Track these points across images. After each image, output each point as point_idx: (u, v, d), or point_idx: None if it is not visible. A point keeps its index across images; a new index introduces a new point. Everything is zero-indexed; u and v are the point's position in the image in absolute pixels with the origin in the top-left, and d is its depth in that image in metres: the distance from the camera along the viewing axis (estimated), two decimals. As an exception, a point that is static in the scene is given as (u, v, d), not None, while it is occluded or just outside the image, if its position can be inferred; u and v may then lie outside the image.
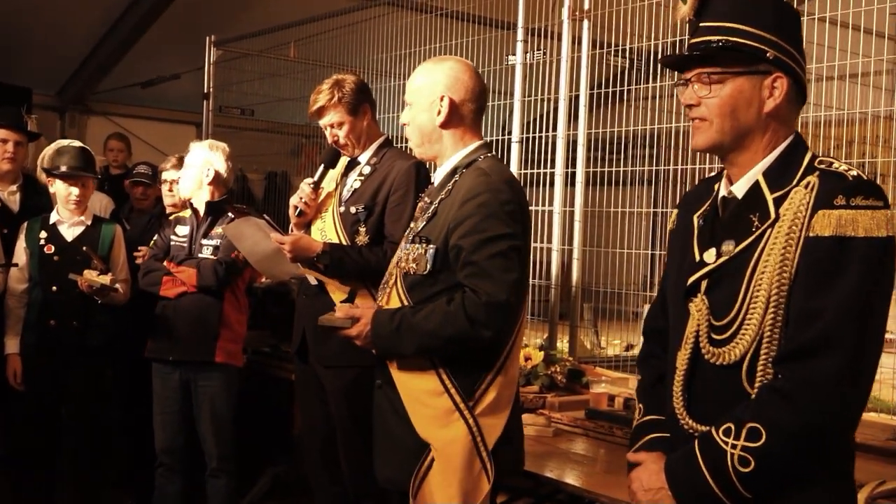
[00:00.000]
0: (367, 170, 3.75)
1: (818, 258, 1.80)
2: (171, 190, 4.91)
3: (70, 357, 4.39)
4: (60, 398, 4.44)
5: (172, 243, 4.43)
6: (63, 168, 4.44)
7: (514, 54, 4.90)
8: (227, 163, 4.42)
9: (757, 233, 1.88)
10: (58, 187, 4.47)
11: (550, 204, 4.74)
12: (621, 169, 4.91)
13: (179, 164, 4.84)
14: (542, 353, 4.21)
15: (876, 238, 1.77)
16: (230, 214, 4.30)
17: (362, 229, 3.66)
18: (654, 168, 4.54)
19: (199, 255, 4.34)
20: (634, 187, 4.94)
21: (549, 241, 4.73)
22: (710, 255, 1.96)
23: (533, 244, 4.79)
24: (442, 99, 2.74)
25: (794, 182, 1.88)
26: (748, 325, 1.86)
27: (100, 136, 7.58)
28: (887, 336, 5.47)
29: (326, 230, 3.71)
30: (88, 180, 4.51)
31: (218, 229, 4.35)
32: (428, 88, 2.77)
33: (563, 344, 4.68)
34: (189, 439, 4.44)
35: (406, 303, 2.71)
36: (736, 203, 1.97)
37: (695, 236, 2.03)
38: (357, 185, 3.73)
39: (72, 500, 4.59)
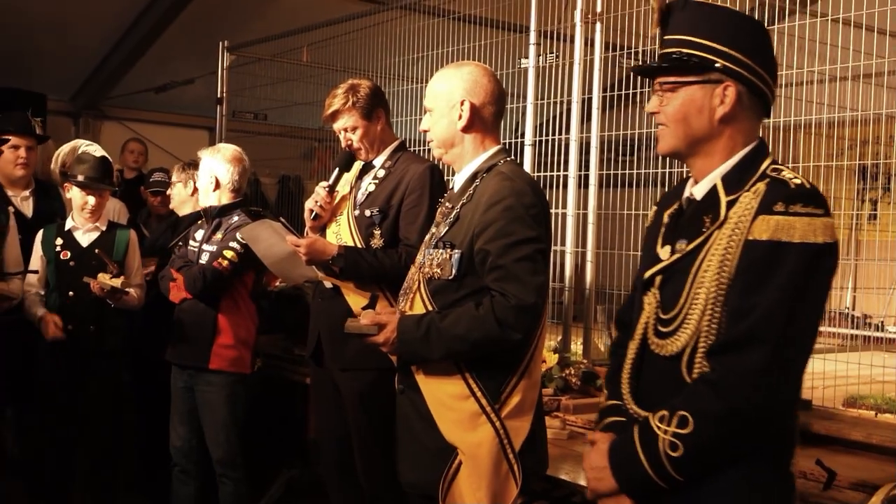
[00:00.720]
0: (381, 173, 3.77)
1: (754, 260, 1.91)
2: (171, 192, 5.01)
3: (87, 361, 4.42)
4: (77, 401, 4.46)
5: (189, 248, 4.46)
6: (80, 177, 4.46)
7: (526, 57, 4.90)
8: (230, 166, 4.38)
9: (706, 233, 2.00)
10: (74, 194, 4.49)
11: (564, 206, 4.74)
12: (634, 171, 4.90)
13: (181, 168, 4.88)
14: (557, 355, 4.22)
15: (811, 244, 1.87)
16: (235, 219, 4.34)
17: (377, 232, 3.67)
18: (666, 170, 4.52)
19: (201, 261, 4.34)
20: (647, 189, 4.93)
21: (563, 243, 4.72)
22: (665, 252, 2.09)
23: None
24: (462, 103, 2.77)
25: (747, 187, 1.98)
26: (689, 320, 1.98)
27: (114, 141, 7.61)
28: (894, 336, 5.46)
29: (342, 233, 3.72)
30: (106, 191, 4.53)
31: (218, 235, 4.35)
32: (447, 94, 2.80)
33: (576, 346, 4.68)
34: (202, 442, 4.44)
35: (431, 308, 2.72)
36: (695, 204, 2.08)
37: (661, 233, 2.14)
38: (372, 188, 3.75)
39: (89, 501, 4.62)
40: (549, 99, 4.90)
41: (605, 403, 2.24)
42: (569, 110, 4.78)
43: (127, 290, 4.30)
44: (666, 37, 2.10)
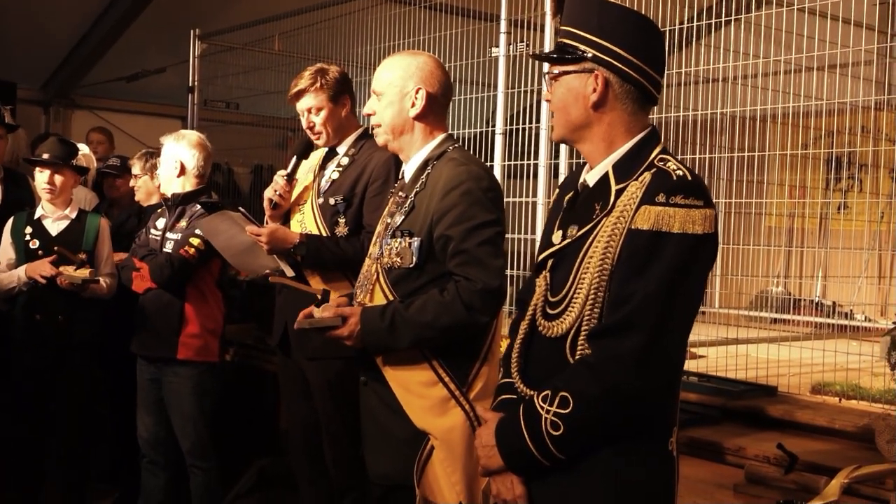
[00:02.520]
0: (345, 161, 3.75)
1: (635, 248, 1.98)
2: (136, 184, 4.93)
3: (56, 351, 4.39)
4: (47, 392, 4.43)
5: (150, 237, 4.40)
6: (43, 157, 4.43)
7: (497, 46, 4.91)
8: (195, 151, 4.34)
9: (595, 220, 2.07)
10: (37, 178, 4.46)
11: (534, 195, 4.75)
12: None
13: (143, 158, 4.84)
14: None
15: (689, 234, 1.95)
16: (198, 207, 4.29)
17: (342, 220, 3.66)
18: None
19: (165, 250, 4.29)
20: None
21: (533, 231, 4.74)
22: (557, 237, 2.16)
23: (516, 235, 4.82)
24: (418, 91, 2.79)
25: (635, 176, 2.05)
26: (574, 303, 2.05)
27: (84, 130, 7.53)
28: (864, 324, 5.54)
29: (306, 222, 3.71)
30: (64, 169, 4.47)
31: (182, 223, 4.31)
32: (401, 80, 2.81)
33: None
34: (171, 433, 4.41)
35: (392, 298, 2.72)
36: (588, 191, 2.15)
37: (558, 217, 2.21)
38: (335, 176, 3.73)
39: (58, 494, 4.60)
40: (520, 88, 4.91)
41: (499, 381, 2.32)
42: (539, 99, 4.78)
43: (96, 279, 4.27)
44: (559, 27, 2.19)
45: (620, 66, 2.08)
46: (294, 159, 3.80)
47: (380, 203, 3.57)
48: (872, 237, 6.35)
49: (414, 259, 2.69)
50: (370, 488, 2.90)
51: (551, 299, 2.12)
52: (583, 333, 2.03)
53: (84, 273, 4.20)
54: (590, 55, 2.09)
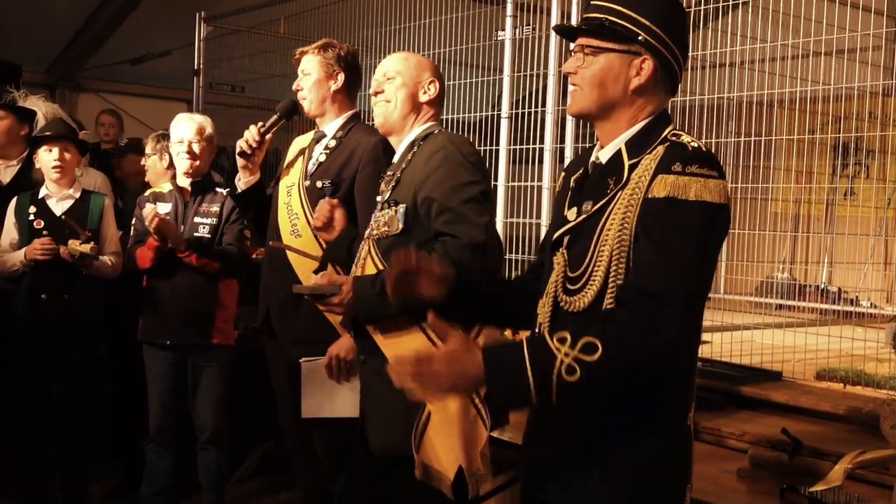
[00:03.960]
0: (332, 143, 3.73)
1: (653, 216, 1.97)
2: (146, 163, 4.95)
3: (60, 332, 4.39)
4: (50, 373, 4.45)
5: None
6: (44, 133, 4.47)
7: (503, 30, 4.89)
8: (200, 135, 4.38)
9: (610, 195, 2.06)
10: (41, 158, 4.46)
11: (539, 179, 4.75)
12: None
13: (156, 138, 4.85)
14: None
15: (705, 202, 1.95)
16: (219, 190, 4.38)
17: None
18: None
19: (196, 234, 4.32)
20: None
21: (539, 216, 4.73)
22: (572, 214, 2.15)
23: (522, 220, 4.81)
24: (432, 82, 2.99)
25: (648, 151, 2.05)
26: (595, 276, 2.04)
27: (90, 113, 7.54)
28: (869, 311, 5.51)
29: (292, 203, 3.70)
30: (69, 146, 4.48)
31: (213, 207, 4.36)
32: (418, 68, 3.02)
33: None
34: (181, 415, 4.47)
35: (382, 267, 2.74)
36: (600, 168, 2.15)
37: (568, 197, 2.21)
38: (322, 158, 3.71)
39: (60, 476, 4.62)
40: (527, 72, 4.89)
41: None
42: (545, 83, 4.77)
43: (98, 256, 4.28)
44: (594, 1, 2.16)
45: (667, 54, 2.09)
46: (275, 116, 3.82)
47: (373, 191, 3.57)
48: (879, 223, 6.33)
49: (400, 225, 2.77)
50: (360, 473, 2.92)
51: (571, 275, 2.11)
52: (606, 304, 2.01)
53: (86, 248, 4.20)
54: (641, 38, 2.07)
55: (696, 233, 1.94)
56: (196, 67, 7.03)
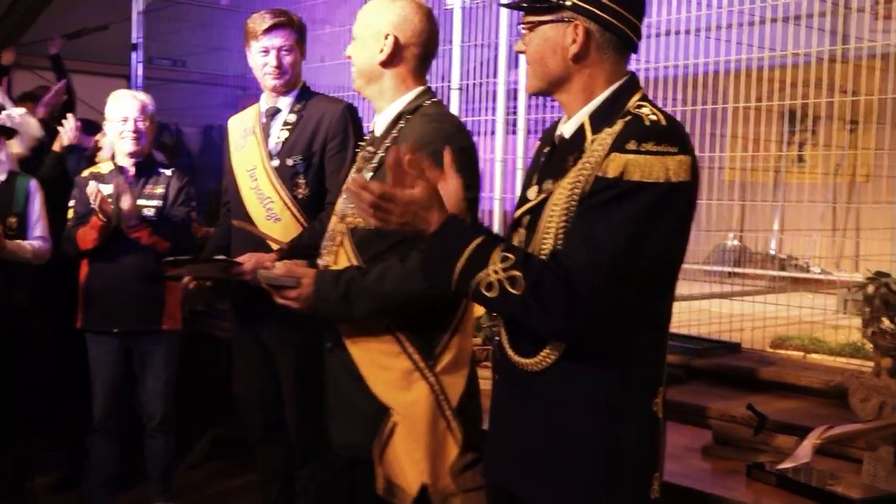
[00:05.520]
0: (292, 118, 3.60)
1: (599, 196, 1.87)
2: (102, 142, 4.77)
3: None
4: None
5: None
6: None
7: (452, -2, 4.78)
8: (143, 113, 4.24)
9: (568, 173, 1.97)
10: None
11: (491, 152, 4.66)
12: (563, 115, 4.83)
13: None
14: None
15: (660, 182, 1.84)
16: (162, 171, 4.29)
17: (301, 181, 3.52)
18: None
19: (146, 214, 4.18)
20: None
21: (491, 190, 4.64)
22: (532, 192, 2.06)
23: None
24: (387, 37, 2.60)
25: (610, 125, 1.95)
26: (543, 249, 1.96)
27: (26, 90, 7.27)
28: (820, 277, 5.51)
29: (261, 187, 3.56)
30: None
31: (158, 189, 4.21)
32: (375, 24, 2.63)
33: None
34: (127, 403, 4.37)
35: (356, 262, 2.57)
36: (564, 143, 2.05)
37: (536, 172, 2.12)
38: (285, 135, 3.58)
39: (2, 469, 4.47)
40: (476, 42, 4.78)
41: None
42: (496, 54, 4.67)
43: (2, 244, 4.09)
44: None
45: (602, 14, 1.97)
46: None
47: (341, 162, 3.44)
48: (828, 190, 6.34)
49: None
50: (332, 457, 2.79)
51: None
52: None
53: None
54: (568, 3, 1.97)
55: (642, 215, 1.84)
56: (134, 41, 6.81)
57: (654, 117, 1.91)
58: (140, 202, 4.18)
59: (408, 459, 2.50)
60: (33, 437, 4.68)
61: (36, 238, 4.28)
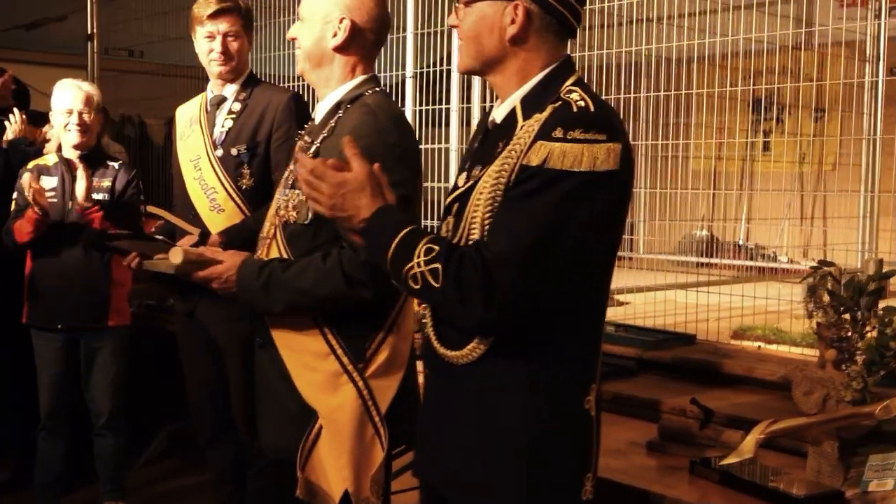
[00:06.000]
0: (236, 107, 3.51)
1: (523, 185, 1.80)
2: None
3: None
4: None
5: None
6: None
7: (406, -16, 4.69)
8: (89, 105, 4.12)
9: (496, 159, 1.88)
10: None
11: (447, 141, 4.58)
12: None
13: None
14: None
15: (586, 172, 1.76)
16: (110, 164, 4.18)
17: (246, 171, 3.44)
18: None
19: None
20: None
21: (446, 179, 4.56)
22: (461, 179, 1.99)
23: (429, 184, 4.63)
24: (342, 21, 2.47)
25: (542, 110, 1.86)
26: (470, 238, 1.88)
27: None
28: (787, 266, 5.48)
29: (205, 178, 3.47)
30: None
31: (105, 182, 4.10)
32: (327, 6, 2.49)
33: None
34: (74, 400, 4.26)
35: (286, 256, 2.48)
36: (496, 128, 1.97)
37: (469, 158, 2.05)
38: (229, 124, 3.49)
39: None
40: (431, 28, 4.70)
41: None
42: (451, 40, 4.59)
43: None
44: None
45: None
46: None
47: (287, 152, 3.35)
48: (794, 178, 6.31)
49: (309, 215, 2.41)
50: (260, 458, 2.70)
51: (453, 242, 1.94)
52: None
53: None
54: None
55: (564, 205, 1.76)
56: (89, 32, 6.67)
57: (582, 103, 1.83)
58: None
59: (332, 465, 2.41)
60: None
61: None
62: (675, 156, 5.63)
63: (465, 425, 1.95)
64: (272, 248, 2.53)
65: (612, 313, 4.32)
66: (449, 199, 2.01)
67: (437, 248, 1.83)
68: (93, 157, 4.17)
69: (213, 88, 3.59)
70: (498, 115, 1.98)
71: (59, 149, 4.25)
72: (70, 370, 4.21)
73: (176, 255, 2.50)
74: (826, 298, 2.37)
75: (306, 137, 2.59)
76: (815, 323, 2.44)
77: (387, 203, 1.93)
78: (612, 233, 1.90)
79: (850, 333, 2.37)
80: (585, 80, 1.97)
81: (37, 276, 4.16)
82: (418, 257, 1.83)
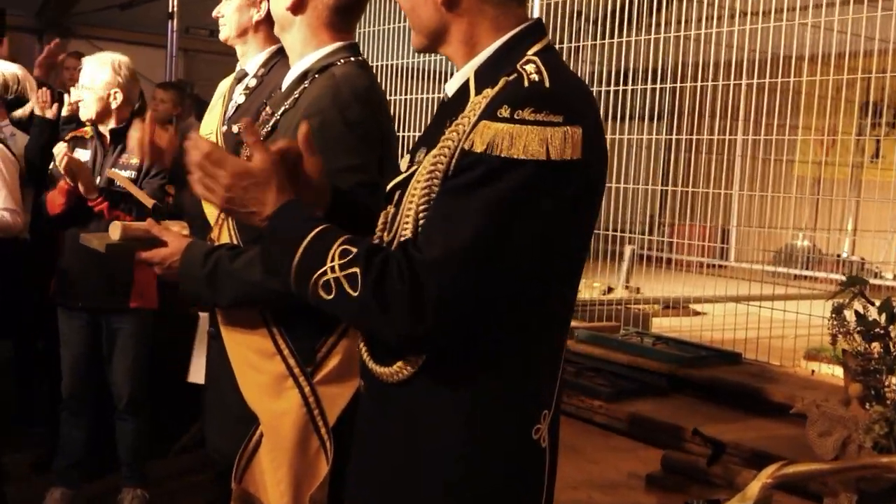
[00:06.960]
0: (252, 83, 3.29)
1: (463, 174, 1.49)
2: None
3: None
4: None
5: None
6: None
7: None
8: (129, 82, 3.98)
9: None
10: None
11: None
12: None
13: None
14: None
15: (537, 161, 1.46)
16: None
17: (245, 151, 3.23)
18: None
19: (113, 187, 3.91)
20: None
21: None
22: (404, 164, 1.69)
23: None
24: None
25: (495, 84, 1.54)
26: (403, 234, 1.58)
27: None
28: (892, 283, 4.98)
29: None
30: None
31: (133, 159, 3.97)
32: None
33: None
34: (97, 382, 4.13)
35: (236, 241, 2.25)
36: (447, 104, 1.65)
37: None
38: (241, 100, 3.28)
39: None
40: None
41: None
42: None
43: None
44: None
45: None
46: None
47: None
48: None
49: None
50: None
51: (387, 238, 1.68)
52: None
53: None
54: None
55: (511, 200, 1.47)
56: (170, 10, 6.62)
57: (535, 77, 1.52)
58: (115, 171, 3.95)
59: (270, 477, 2.16)
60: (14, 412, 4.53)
61: (2, 209, 4.06)
62: (777, 159, 5.23)
63: (396, 452, 1.66)
64: (224, 230, 2.31)
65: (679, 324, 3.97)
66: (390, 186, 1.72)
67: (355, 249, 1.55)
68: (121, 134, 4.04)
69: (242, 62, 3.41)
70: (449, 88, 1.68)
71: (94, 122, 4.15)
72: (93, 352, 4.10)
73: (115, 230, 2.28)
74: (853, 322, 1.98)
75: (268, 108, 2.34)
76: (841, 351, 2.05)
77: (292, 199, 1.66)
78: (573, 235, 1.59)
79: (879, 366, 1.97)
80: (549, 32, 1.66)
81: (66, 255, 4.07)
82: (332, 261, 1.55)
